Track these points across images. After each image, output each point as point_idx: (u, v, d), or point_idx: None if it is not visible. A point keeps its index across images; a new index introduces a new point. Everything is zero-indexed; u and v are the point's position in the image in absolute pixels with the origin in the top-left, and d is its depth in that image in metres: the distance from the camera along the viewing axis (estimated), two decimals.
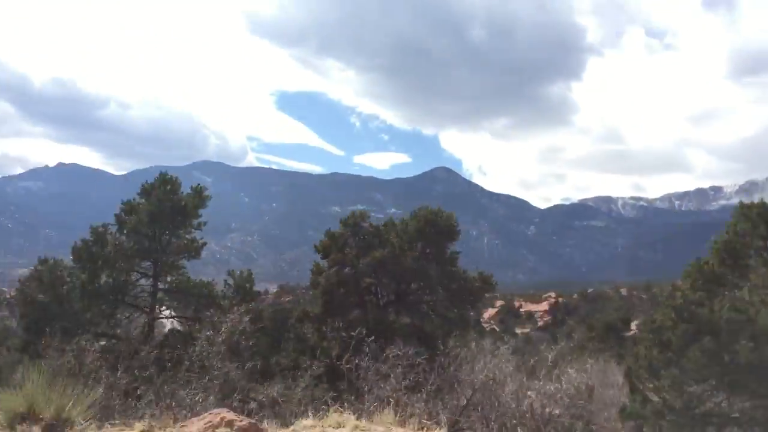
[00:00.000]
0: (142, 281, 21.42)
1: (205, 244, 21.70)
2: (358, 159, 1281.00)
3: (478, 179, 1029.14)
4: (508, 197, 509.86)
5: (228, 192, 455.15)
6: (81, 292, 19.23)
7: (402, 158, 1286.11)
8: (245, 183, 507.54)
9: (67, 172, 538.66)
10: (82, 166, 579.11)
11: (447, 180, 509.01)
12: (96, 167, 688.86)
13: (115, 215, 21.33)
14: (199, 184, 22.20)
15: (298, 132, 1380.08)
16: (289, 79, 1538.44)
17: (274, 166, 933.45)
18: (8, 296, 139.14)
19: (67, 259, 20.47)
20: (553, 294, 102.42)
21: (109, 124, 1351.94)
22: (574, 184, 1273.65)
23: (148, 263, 21.25)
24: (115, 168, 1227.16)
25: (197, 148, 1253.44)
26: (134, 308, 21.47)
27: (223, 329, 12.24)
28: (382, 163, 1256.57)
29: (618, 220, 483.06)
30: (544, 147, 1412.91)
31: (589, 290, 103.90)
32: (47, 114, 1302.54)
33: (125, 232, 20.45)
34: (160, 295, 21.39)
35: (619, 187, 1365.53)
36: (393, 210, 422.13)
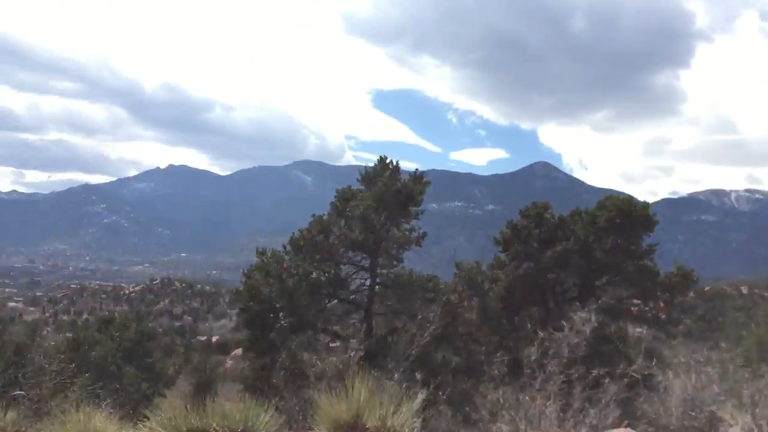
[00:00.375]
0: (357, 274, 19.95)
1: (425, 234, 19.78)
2: (455, 155, 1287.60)
3: (578, 174, 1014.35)
4: (612, 192, 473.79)
5: (328, 190, 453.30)
6: (305, 286, 17.96)
7: (499, 154, 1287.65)
8: (344, 181, 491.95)
9: (176, 173, 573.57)
10: (190, 167, 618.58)
11: (547, 175, 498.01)
12: (203, 168, 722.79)
13: (332, 203, 20.22)
14: (416, 170, 20.87)
15: (394, 130, 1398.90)
16: (385, 77, 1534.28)
17: (370, 164, 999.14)
18: (129, 291, 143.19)
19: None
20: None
21: (214, 126, 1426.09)
22: (682, 177, 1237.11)
23: (363, 255, 19.69)
24: (221, 168, 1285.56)
25: (297, 147, 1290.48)
26: (349, 303, 20.09)
27: None
28: (479, 159, 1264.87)
29: (732, 214, 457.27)
30: (649, 139, 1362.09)
31: (706, 288, 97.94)
32: (158, 118, 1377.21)
33: (345, 221, 19.00)
34: (378, 289, 19.82)
35: (733, 179, 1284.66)
36: (491, 206, 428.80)
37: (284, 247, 19.44)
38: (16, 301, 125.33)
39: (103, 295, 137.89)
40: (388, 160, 19.73)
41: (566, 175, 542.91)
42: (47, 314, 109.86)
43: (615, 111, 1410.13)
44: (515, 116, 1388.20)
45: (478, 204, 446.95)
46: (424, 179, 20.00)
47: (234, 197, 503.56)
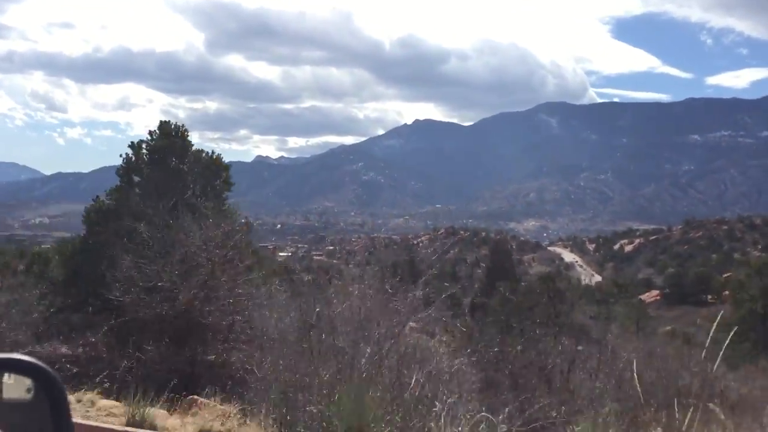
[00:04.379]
0: None
1: None
2: (712, 80, 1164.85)
3: None
4: None
5: (575, 131, 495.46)
6: None
7: (765, 73, 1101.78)
8: (590, 120, 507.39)
9: (422, 127, 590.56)
10: (434, 120, 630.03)
11: None
12: (446, 120, 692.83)
13: None
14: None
15: (638, 60, 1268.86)
16: (624, 2, 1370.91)
17: (616, 99, 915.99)
18: (417, 241, 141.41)
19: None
20: None
21: (451, 77, 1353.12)
22: None
23: None
24: (462, 119, 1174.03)
25: (536, 90, 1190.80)
26: None
27: None
28: (740, 81, 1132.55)
29: None
30: None
31: None
32: (398, 75, 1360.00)
33: None
34: None
35: None
36: (766, 132, 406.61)
37: None
38: (318, 256, 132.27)
39: (395, 246, 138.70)
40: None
41: None
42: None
43: None
44: None
45: (750, 132, 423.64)
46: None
47: (480, 146, 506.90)
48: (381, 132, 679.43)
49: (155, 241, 11.89)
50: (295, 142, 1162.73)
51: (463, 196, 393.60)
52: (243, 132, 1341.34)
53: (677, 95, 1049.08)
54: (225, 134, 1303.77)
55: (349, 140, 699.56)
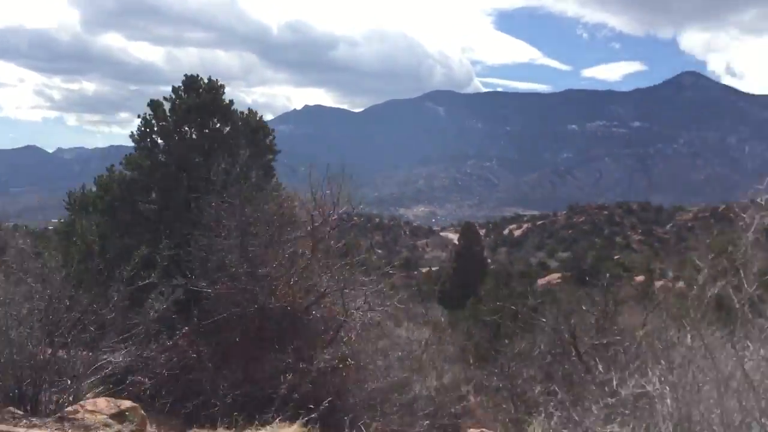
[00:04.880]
0: None
1: None
2: (588, 72, 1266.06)
3: (727, 81, 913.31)
4: None
5: (461, 119, 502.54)
6: None
7: (635, 67, 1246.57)
8: (476, 109, 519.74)
9: (312, 113, 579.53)
10: (325, 106, 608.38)
11: (695, 85, 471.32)
12: (336, 106, 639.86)
13: None
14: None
15: (520, 51, 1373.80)
16: None
17: (500, 89, 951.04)
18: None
19: None
20: None
21: (340, 64, 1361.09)
22: None
23: None
24: (352, 105, 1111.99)
25: (424, 78, 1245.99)
26: None
27: None
28: (614, 74, 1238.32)
29: None
30: None
31: None
32: (287, 60, 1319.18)
33: None
34: None
35: None
36: (637, 123, 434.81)
37: None
38: None
39: None
40: None
41: (716, 83, 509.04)
42: None
43: (765, 8, 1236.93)
44: (651, 24, 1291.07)
45: (623, 122, 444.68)
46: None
47: (370, 133, 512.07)
48: (270, 117, 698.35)
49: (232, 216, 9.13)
50: None
51: (353, 182, 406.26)
52: (124, 115, 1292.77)
53: (557, 86, 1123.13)
54: (106, 117, 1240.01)
55: None
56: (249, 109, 16.12)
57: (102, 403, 5.66)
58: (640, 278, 45.38)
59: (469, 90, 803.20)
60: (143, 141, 15.33)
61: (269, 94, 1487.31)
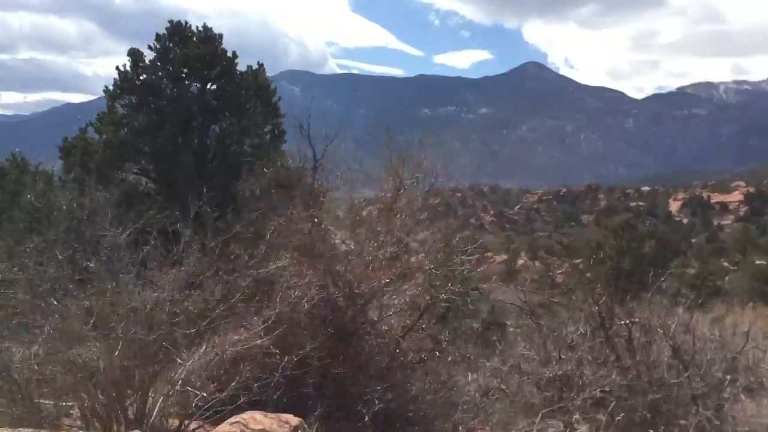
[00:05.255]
0: None
1: None
2: (439, 59, 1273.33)
3: (565, 72, 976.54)
4: (603, 89, 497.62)
5: (317, 100, 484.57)
6: None
7: (483, 55, 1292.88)
8: (332, 90, 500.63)
9: None
10: None
11: (538, 76, 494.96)
12: None
13: None
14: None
15: (375, 34, 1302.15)
16: None
17: (355, 71, 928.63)
18: None
19: None
20: (742, 183, 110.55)
21: None
22: (669, 71, 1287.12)
23: None
24: None
25: (279, 57, 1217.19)
26: None
27: None
28: (463, 61, 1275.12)
29: (721, 107, 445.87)
30: (636, 33, 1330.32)
31: None
32: (131, 30, 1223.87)
33: None
34: None
35: (719, 71, 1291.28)
36: (485, 109, 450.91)
37: None
38: None
39: None
40: None
41: (556, 74, 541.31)
42: None
43: (600, 5, 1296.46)
44: (499, 14, 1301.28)
45: (472, 108, 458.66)
46: None
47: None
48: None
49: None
50: (11, 97, 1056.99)
51: None
52: None
53: (410, 71, 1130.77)
54: None
55: (77, 98, 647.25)
56: (258, 63, 15.28)
57: (264, 419, 4.80)
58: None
59: (325, 71, 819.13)
60: (120, 98, 13.94)
61: (112, 66, 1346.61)
